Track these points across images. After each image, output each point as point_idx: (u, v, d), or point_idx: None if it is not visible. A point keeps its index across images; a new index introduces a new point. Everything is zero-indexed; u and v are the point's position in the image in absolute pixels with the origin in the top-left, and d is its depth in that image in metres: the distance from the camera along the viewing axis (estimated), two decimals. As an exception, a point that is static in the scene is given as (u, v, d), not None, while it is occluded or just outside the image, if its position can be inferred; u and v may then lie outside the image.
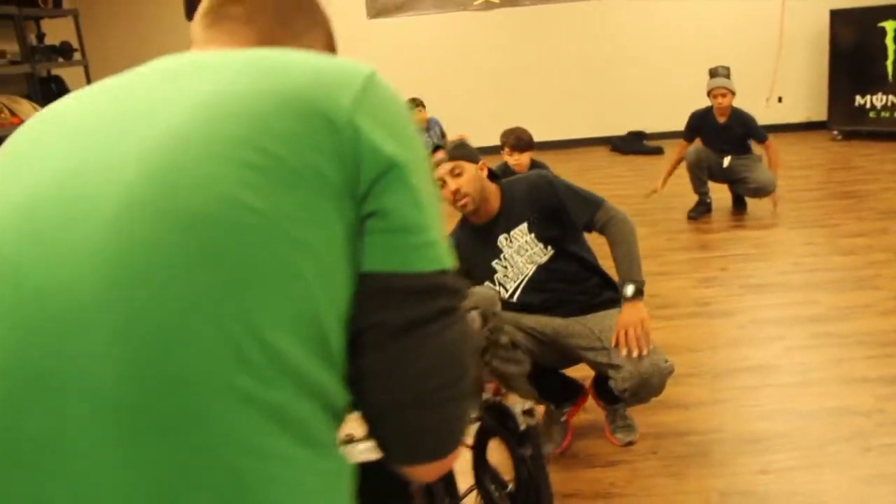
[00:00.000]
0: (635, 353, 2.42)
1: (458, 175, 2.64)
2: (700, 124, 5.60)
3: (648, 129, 8.30)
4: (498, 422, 1.23)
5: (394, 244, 0.75)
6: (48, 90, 7.91)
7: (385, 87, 0.82)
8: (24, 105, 7.22)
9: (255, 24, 0.90)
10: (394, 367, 0.75)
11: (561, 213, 2.70)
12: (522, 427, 1.19)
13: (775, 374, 3.17)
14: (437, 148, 2.79)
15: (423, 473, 0.79)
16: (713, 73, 5.54)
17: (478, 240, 2.75)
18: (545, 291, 2.68)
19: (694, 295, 4.09)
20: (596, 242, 2.78)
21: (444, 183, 2.66)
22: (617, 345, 2.46)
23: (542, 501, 1.21)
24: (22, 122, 7.24)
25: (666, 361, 2.44)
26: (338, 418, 0.74)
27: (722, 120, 5.50)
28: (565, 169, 7.43)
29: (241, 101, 0.73)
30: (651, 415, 2.84)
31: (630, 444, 2.74)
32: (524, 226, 2.70)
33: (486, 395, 1.27)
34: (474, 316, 1.27)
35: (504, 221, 2.72)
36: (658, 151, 7.85)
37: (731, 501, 2.36)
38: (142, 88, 0.77)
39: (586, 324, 2.61)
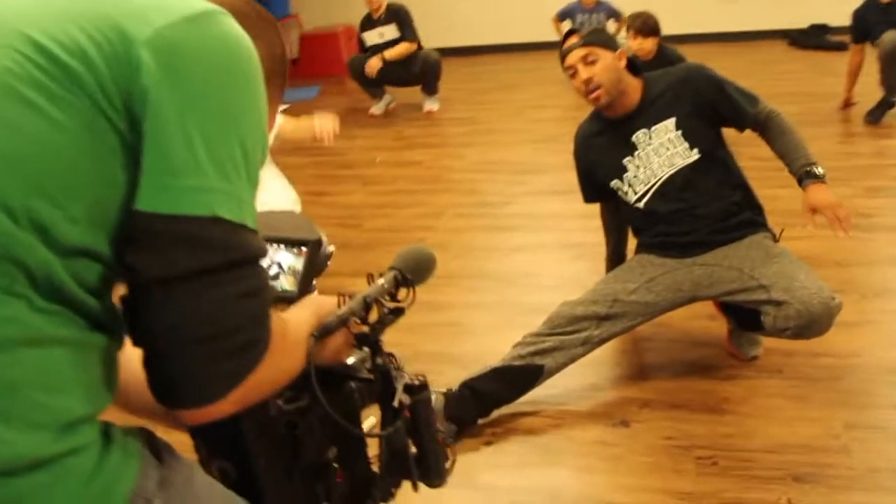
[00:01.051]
0: (843, 233, 2.26)
1: (592, 63, 2.44)
2: (864, 16, 5.02)
3: (833, 22, 7.50)
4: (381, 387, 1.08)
5: (159, 184, 0.76)
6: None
7: (208, 30, 0.81)
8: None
9: None
10: (145, 311, 0.77)
11: (719, 110, 2.45)
12: (395, 404, 1.04)
13: (935, 299, 2.84)
14: (570, 32, 2.55)
15: (182, 417, 0.81)
16: None
17: (610, 134, 2.55)
18: (677, 200, 2.45)
19: (856, 204, 3.68)
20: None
21: (574, 71, 2.47)
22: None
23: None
24: None
25: (834, 299, 2.15)
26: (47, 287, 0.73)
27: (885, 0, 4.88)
28: (735, 63, 6.88)
29: None
30: (782, 331, 2.61)
31: (754, 358, 2.54)
32: (671, 121, 2.46)
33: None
34: (388, 277, 1.10)
35: (645, 116, 2.49)
36: (842, 47, 7.08)
37: (857, 435, 2.15)
38: None
39: (731, 263, 2.36)
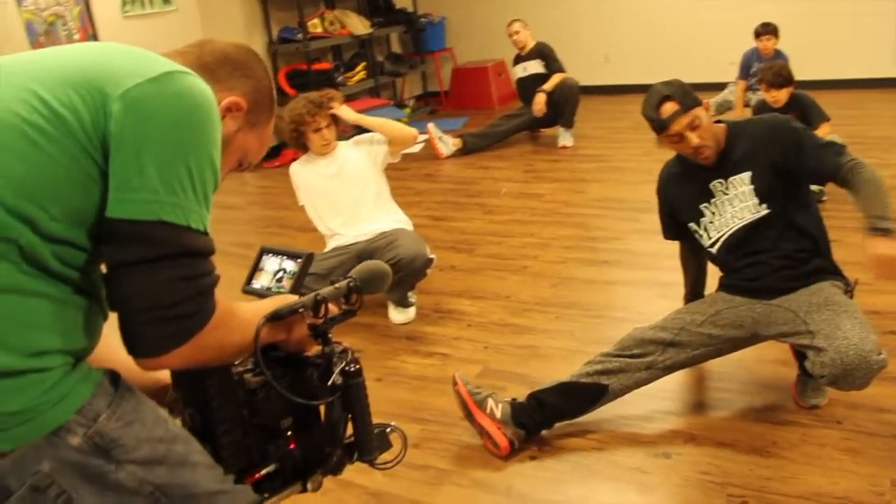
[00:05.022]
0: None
1: (697, 127, 2.45)
2: None
3: None
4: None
5: (118, 198, 1.05)
6: (375, 5, 8.57)
7: (166, 87, 1.09)
8: (352, 18, 7.90)
9: (187, 56, 1.25)
10: (111, 286, 1.07)
11: (799, 168, 2.42)
12: (329, 383, 1.24)
13: None
14: (665, 98, 2.47)
15: (140, 364, 1.08)
16: None
17: (691, 177, 2.60)
18: (747, 255, 2.50)
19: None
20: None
21: (681, 138, 2.46)
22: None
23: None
24: (350, 34, 7.87)
25: (879, 354, 2.12)
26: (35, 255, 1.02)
27: None
28: (880, 111, 6.61)
29: (70, 59, 1.11)
30: (853, 383, 2.55)
31: (814, 407, 2.51)
32: (747, 175, 2.48)
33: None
34: (343, 283, 1.27)
35: (723, 165, 2.53)
36: None
37: (904, 491, 2.10)
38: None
39: (790, 306, 2.37)
